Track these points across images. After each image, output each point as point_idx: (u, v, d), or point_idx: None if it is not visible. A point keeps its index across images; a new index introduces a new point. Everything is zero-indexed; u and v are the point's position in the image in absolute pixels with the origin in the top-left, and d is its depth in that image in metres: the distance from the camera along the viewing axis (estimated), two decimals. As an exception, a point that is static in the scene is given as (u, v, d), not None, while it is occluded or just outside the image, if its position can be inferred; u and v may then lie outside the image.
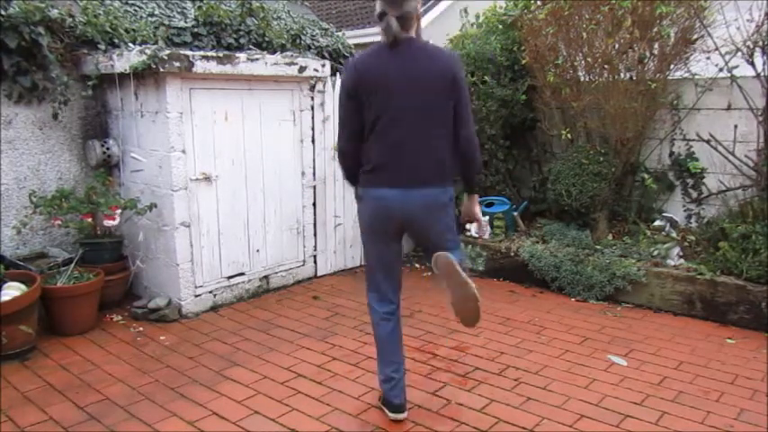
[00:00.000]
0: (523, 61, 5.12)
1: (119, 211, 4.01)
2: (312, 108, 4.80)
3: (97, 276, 3.88)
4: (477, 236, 5.15)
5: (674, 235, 4.61)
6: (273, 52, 4.83)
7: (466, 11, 6.04)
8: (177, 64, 3.76)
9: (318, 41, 5.69)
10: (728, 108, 4.66)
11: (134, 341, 3.71)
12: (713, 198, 4.76)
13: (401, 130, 2.55)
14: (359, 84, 2.56)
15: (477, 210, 2.92)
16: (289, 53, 4.74)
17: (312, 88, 4.77)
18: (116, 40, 4.24)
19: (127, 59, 3.88)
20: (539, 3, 5.06)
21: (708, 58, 4.50)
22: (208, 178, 4.16)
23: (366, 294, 2.96)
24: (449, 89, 2.57)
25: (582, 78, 4.88)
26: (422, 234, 2.75)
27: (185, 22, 4.83)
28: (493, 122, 5.10)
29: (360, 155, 2.65)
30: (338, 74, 5.15)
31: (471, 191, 2.87)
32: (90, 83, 4.09)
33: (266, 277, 4.65)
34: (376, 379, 2.98)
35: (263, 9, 5.17)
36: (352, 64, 2.64)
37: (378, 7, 2.54)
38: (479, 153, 2.75)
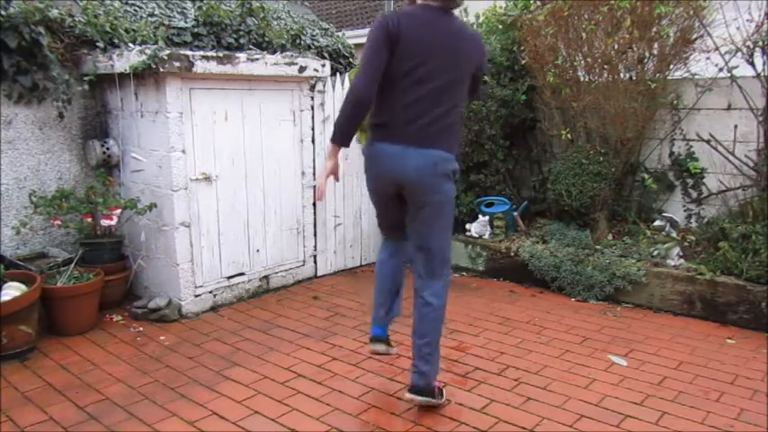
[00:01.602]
0: (523, 61, 5.12)
1: (117, 211, 4.01)
2: (312, 108, 4.80)
3: (97, 276, 3.88)
4: (477, 236, 5.15)
5: (674, 235, 4.61)
6: (273, 52, 4.83)
7: (466, 11, 6.04)
8: (177, 64, 3.76)
9: (318, 41, 5.69)
10: (728, 108, 4.66)
11: (134, 341, 3.71)
12: (713, 198, 4.77)
13: (426, 93, 2.56)
14: (405, 34, 2.52)
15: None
16: (289, 53, 4.74)
17: (312, 88, 4.77)
18: (116, 40, 4.24)
19: (127, 59, 3.88)
20: (538, 3, 5.06)
21: (708, 58, 4.50)
22: (208, 178, 4.16)
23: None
24: (473, 71, 2.72)
25: (582, 78, 4.88)
26: (417, 199, 2.67)
27: (185, 22, 4.83)
28: (493, 122, 5.10)
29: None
30: (338, 74, 5.15)
31: None
32: (86, 78, 4.09)
33: (266, 277, 4.65)
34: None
35: (263, 9, 5.17)
36: (403, 13, 2.61)
37: None
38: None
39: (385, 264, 3.05)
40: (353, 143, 5.23)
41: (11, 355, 3.38)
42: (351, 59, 6.00)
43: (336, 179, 2.81)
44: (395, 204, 2.80)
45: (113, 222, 4.00)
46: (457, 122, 2.71)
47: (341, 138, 2.64)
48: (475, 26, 5.92)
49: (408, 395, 2.79)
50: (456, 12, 2.75)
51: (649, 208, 5.00)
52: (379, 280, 3.04)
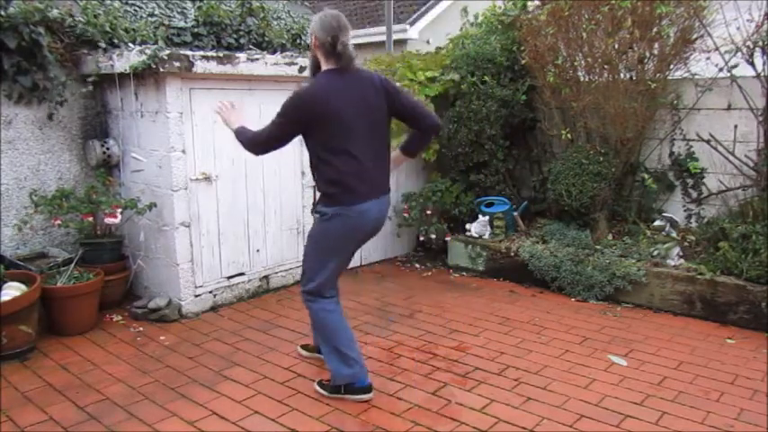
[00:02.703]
0: (523, 61, 5.12)
1: (120, 209, 4.01)
2: (312, 108, 4.79)
3: (97, 276, 3.89)
4: (477, 236, 5.15)
5: (674, 235, 4.61)
6: (273, 52, 4.83)
7: (466, 11, 6.05)
8: (177, 64, 3.76)
9: (318, 41, 5.68)
10: (728, 108, 4.66)
11: (134, 341, 3.71)
12: (713, 198, 4.76)
13: (364, 151, 2.79)
14: (314, 113, 2.74)
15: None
16: (289, 53, 4.74)
17: (312, 88, 4.76)
18: (116, 40, 4.24)
19: (127, 59, 3.88)
20: (538, 2, 5.06)
21: (708, 58, 4.50)
22: (208, 178, 4.16)
23: (312, 293, 2.97)
24: (385, 101, 2.83)
25: (582, 78, 4.88)
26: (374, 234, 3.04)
27: (185, 22, 4.84)
28: (493, 122, 5.10)
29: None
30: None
31: (411, 155, 3.15)
32: (90, 79, 4.09)
33: (266, 277, 4.65)
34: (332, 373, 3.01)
35: (263, 9, 5.17)
36: (306, 94, 2.78)
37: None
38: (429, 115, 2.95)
39: (338, 314, 3.05)
40: None
41: (11, 355, 3.38)
42: (351, 59, 5.99)
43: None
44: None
45: (117, 221, 3.99)
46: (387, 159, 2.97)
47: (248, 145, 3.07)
48: (474, 26, 5.93)
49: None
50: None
51: (649, 208, 5.00)
52: (345, 331, 3.02)
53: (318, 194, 2.93)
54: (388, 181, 2.97)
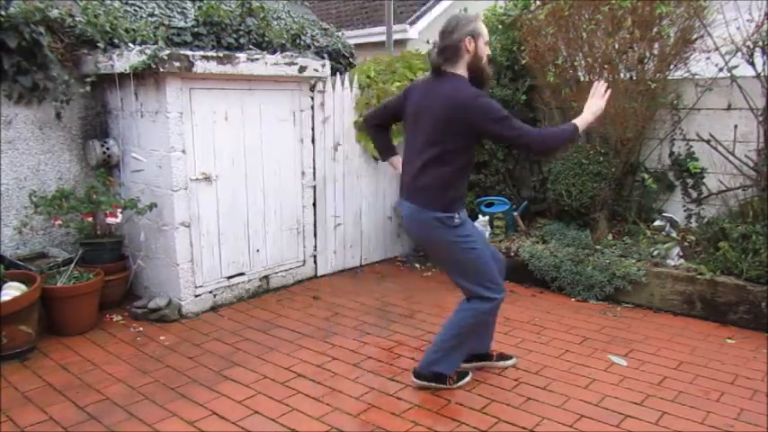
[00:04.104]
0: (523, 61, 5.12)
1: (120, 209, 4.01)
2: (312, 108, 4.80)
3: (97, 276, 3.89)
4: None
5: (674, 235, 4.61)
6: (273, 52, 4.83)
7: (466, 11, 6.04)
8: (177, 64, 3.76)
9: (318, 41, 5.70)
10: (728, 108, 4.66)
11: (134, 341, 3.71)
12: (713, 198, 4.76)
13: (408, 154, 2.95)
14: (407, 104, 2.96)
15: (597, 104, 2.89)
16: (289, 53, 4.74)
17: (312, 88, 4.77)
18: (116, 40, 4.24)
19: (127, 59, 3.88)
20: (538, 3, 5.06)
21: (708, 58, 4.50)
22: (208, 178, 4.16)
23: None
24: (457, 123, 2.75)
25: (582, 78, 4.88)
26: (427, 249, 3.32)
27: (185, 22, 4.83)
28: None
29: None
30: (338, 74, 5.15)
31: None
32: (88, 79, 4.09)
33: (266, 277, 4.65)
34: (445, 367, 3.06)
35: (263, 9, 5.17)
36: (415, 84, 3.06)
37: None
38: (553, 141, 2.80)
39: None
40: (356, 146, 5.24)
41: (11, 355, 3.38)
42: (351, 59, 6.00)
43: None
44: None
45: (118, 220, 3.99)
46: (434, 183, 2.84)
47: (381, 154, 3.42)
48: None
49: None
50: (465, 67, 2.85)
51: (649, 208, 5.00)
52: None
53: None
54: (417, 195, 2.87)
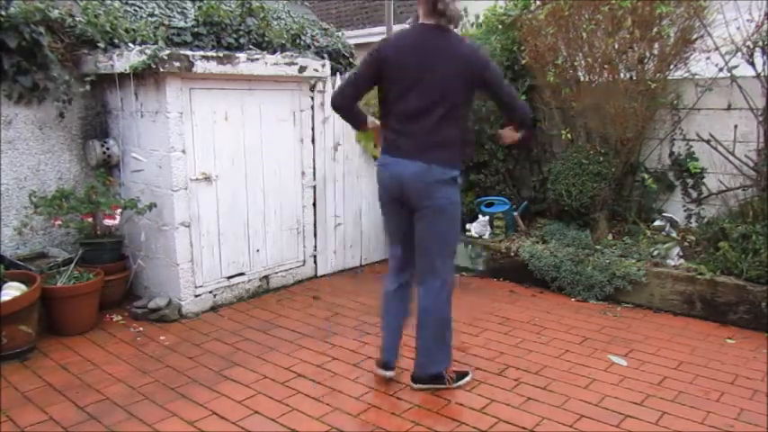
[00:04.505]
0: (523, 61, 5.12)
1: (119, 210, 4.01)
2: (312, 108, 4.80)
3: (97, 276, 3.88)
4: (477, 236, 5.15)
5: (674, 235, 4.61)
6: (273, 52, 4.83)
7: (466, 11, 6.03)
8: (177, 64, 3.76)
9: (318, 41, 5.69)
10: (728, 108, 4.66)
11: (134, 341, 3.71)
12: (713, 198, 4.76)
13: (405, 113, 2.83)
14: (390, 61, 2.82)
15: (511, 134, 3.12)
16: (289, 53, 4.74)
17: (312, 88, 4.77)
18: (116, 40, 4.24)
19: (127, 59, 3.88)
20: (538, 3, 5.06)
21: (708, 58, 4.50)
22: (208, 178, 4.16)
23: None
24: (465, 85, 2.81)
25: (582, 78, 4.88)
26: (414, 203, 2.88)
27: (185, 22, 4.83)
28: (493, 122, 5.09)
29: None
30: (338, 74, 5.15)
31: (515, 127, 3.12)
32: (88, 79, 4.09)
33: (266, 277, 4.65)
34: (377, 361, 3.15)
35: (263, 9, 5.17)
36: (394, 38, 2.94)
37: None
38: (521, 108, 2.99)
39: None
40: (356, 146, 5.24)
41: (11, 355, 3.38)
42: (351, 59, 6.00)
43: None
44: (398, 213, 2.98)
45: (116, 222, 3.99)
46: (448, 138, 2.82)
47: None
48: (474, 26, 5.92)
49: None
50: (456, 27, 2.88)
51: (649, 208, 5.00)
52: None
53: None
54: (426, 153, 2.80)
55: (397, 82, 2.81)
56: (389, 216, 3.03)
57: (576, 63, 4.84)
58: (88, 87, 4.12)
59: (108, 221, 3.97)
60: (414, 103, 2.79)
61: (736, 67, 4.41)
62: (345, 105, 2.98)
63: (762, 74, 4.26)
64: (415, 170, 2.79)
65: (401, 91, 2.81)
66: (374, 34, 9.77)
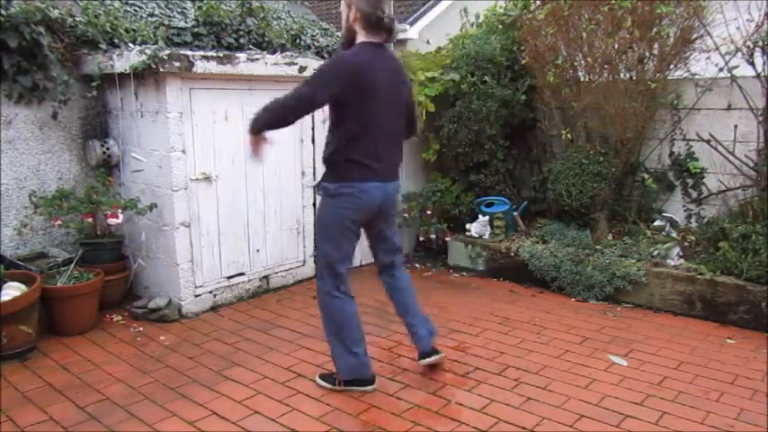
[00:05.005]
0: (523, 61, 5.12)
1: (120, 210, 4.00)
2: (312, 108, 4.79)
3: (97, 276, 3.88)
4: (477, 236, 5.15)
5: (674, 235, 4.61)
6: (273, 52, 4.82)
7: (466, 11, 6.04)
8: (177, 64, 3.76)
9: (318, 41, 5.69)
10: (728, 108, 4.65)
11: (134, 341, 3.71)
12: (713, 198, 4.76)
13: (384, 138, 2.88)
14: (350, 79, 2.72)
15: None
16: (289, 53, 4.74)
17: (312, 88, 4.76)
18: (116, 40, 4.24)
19: (127, 59, 3.88)
20: (538, 2, 5.06)
21: (708, 58, 4.50)
22: (208, 178, 4.16)
23: (325, 285, 3.02)
24: (406, 101, 3.04)
25: (582, 78, 4.88)
26: (387, 216, 3.10)
27: (185, 22, 4.83)
28: (493, 122, 5.10)
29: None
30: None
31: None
32: (94, 83, 4.09)
33: (266, 277, 4.65)
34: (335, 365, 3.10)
35: (263, 9, 5.16)
36: (347, 57, 2.79)
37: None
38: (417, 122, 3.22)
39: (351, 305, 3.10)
40: None
41: (11, 355, 3.38)
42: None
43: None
44: (358, 234, 3.09)
45: (119, 221, 3.99)
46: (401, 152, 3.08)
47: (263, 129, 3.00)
48: (474, 26, 5.92)
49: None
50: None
51: (649, 208, 5.00)
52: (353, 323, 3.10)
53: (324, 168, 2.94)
54: (396, 172, 3.01)
55: (373, 106, 2.77)
56: (352, 239, 3.00)
57: (575, 63, 4.84)
58: (95, 93, 4.12)
59: (112, 220, 3.97)
60: (390, 125, 2.88)
61: (736, 67, 4.41)
62: (292, 122, 3.00)
63: (762, 74, 4.26)
64: (393, 190, 2.99)
65: (375, 114, 2.79)
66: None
